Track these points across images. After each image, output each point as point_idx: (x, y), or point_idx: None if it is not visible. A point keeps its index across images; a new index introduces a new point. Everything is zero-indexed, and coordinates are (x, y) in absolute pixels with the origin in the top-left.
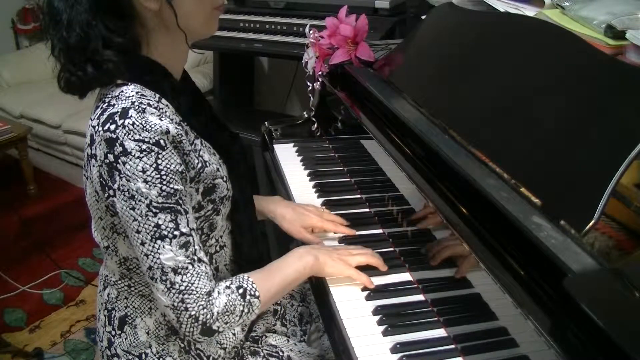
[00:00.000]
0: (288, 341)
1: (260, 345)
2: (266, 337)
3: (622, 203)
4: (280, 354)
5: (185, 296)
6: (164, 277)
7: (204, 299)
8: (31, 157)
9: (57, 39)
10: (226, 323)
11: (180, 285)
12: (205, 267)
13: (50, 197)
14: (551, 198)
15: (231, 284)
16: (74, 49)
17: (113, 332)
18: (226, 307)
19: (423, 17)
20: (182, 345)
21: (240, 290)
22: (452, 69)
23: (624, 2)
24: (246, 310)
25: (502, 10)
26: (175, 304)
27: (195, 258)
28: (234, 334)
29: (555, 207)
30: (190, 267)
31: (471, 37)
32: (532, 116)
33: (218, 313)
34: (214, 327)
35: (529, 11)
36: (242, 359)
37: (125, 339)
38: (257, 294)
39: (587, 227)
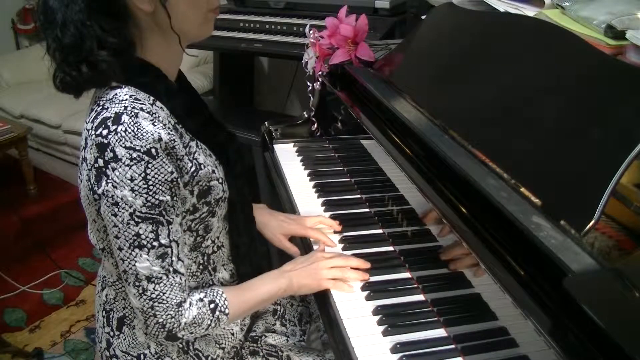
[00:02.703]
0: (287, 341)
1: (259, 345)
2: (265, 337)
3: (622, 203)
4: (280, 353)
5: (155, 304)
6: (137, 283)
7: (173, 309)
8: (31, 157)
9: (52, 39)
10: (191, 333)
11: (152, 293)
12: (180, 278)
13: (50, 197)
14: (551, 198)
15: (205, 296)
16: (69, 49)
17: (112, 333)
18: (195, 319)
19: (423, 17)
20: (181, 345)
21: (212, 305)
22: (452, 69)
23: (624, 2)
24: (213, 325)
25: (502, 10)
26: (145, 309)
27: (171, 269)
28: (232, 334)
29: (555, 207)
30: (164, 277)
31: (471, 37)
32: (532, 116)
33: (185, 324)
34: (179, 335)
35: (529, 11)
36: (241, 359)
37: (124, 339)
38: (227, 311)
39: (587, 227)
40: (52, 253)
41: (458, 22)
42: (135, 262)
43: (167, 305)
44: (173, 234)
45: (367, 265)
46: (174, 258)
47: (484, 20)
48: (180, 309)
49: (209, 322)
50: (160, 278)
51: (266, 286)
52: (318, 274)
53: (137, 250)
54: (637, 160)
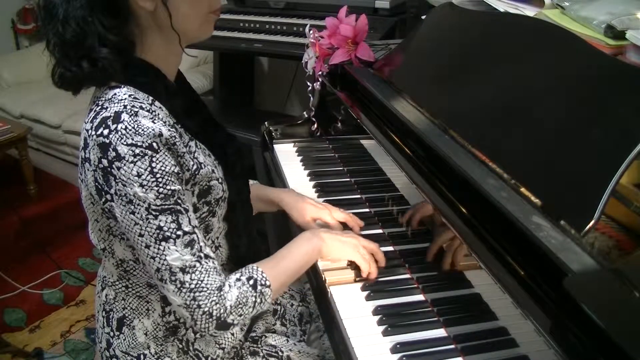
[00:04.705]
0: (288, 341)
1: (259, 346)
2: (266, 337)
3: (622, 203)
4: (280, 354)
5: (197, 294)
6: (173, 278)
7: (215, 295)
8: (31, 157)
9: (53, 34)
10: (240, 315)
11: (190, 284)
12: (213, 262)
13: (50, 197)
14: (551, 198)
15: (241, 275)
16: (70, 45)
17: (112, 334)
18: (238, 299)
19: (423, 17)
20: (181, 345)
21: (251, 282)
22: (452, 69)
23: (624, 2)
24: (259, 301)
25: (502, 10)
26: (188, 303)
27: (202, 255)
28: (232, 334)
29: (555, 207)
30: (197, 264)
31: (471, 37)
32: (532, 116)
33: (231, 307)
34: (229, 321)
35: (529, 11)
36: (241, 359)
37: (124, 340)
38: (267, 282)
39: (587, 227)
40: (52, 253)
41: (458, 22)
42: (166, 255)
43: (209, 292)
44: (193, 221)
45: (383, 263)
46: (201, 244)
47: (484, 20)
48: (222, 292)
49: (253, 299)
50: (194, 266)
51: (301, 248)
52: (351, 243)
53: (163, 243)
54: (637, 160)
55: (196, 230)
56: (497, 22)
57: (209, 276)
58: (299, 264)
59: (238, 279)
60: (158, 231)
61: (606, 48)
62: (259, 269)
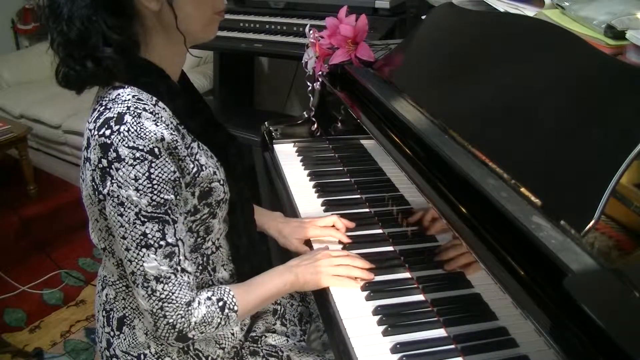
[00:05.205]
0: (288, 341)
1: (259, 345)
2: (266, 337)
3: (622, 203)
4: (280, 353)
5: (165, 304)
6: (145, 284)
7: (182, 309)
8: (31, 157)
9: (57, 33)
10: (202, 332)
11: (161, 294)
12: (188, 277)
13: (50, 197)
14: (551, 198)
15: (212, 295)
16: (74, 44)
17: (112, 333)
18: (204, 318)
19: (423, 17)
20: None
21: (220, 303)
22: (452, 69)
23: (624, 2)
24: (223, 323)
25: (502, 10)
26: (154, 311)
27: (179, 268)
28: (232, 334)
29: (555, 207)
30: (172, 276)
31: (471, 37)
32: (532, 116)
33: (195, 323)
34: (189, 335)
35: (529, 11)
36: (241, 359)
37: (124, 339)
38: (235, 308)
39: (587, 227)
40: (52, 253)
41: (458, 22)
42: (143, 262)
43: (177, 305)
44: (179, 233)
45: (372, 266)
46: (181, 257)
47: (483, 20)
48: (189, 308)
49: (218, 321)
50: (169, 278)
51: (273, 281)
52: (323, 271)
53: (144, 250)
54: (637, 160)
55: (179, 243)
56: (497, 22)
57: (180, 289)
58: (269, 295)
59: (209, 298)
60: (142, 237)
61: (606, 48)
62: (231, 292)
